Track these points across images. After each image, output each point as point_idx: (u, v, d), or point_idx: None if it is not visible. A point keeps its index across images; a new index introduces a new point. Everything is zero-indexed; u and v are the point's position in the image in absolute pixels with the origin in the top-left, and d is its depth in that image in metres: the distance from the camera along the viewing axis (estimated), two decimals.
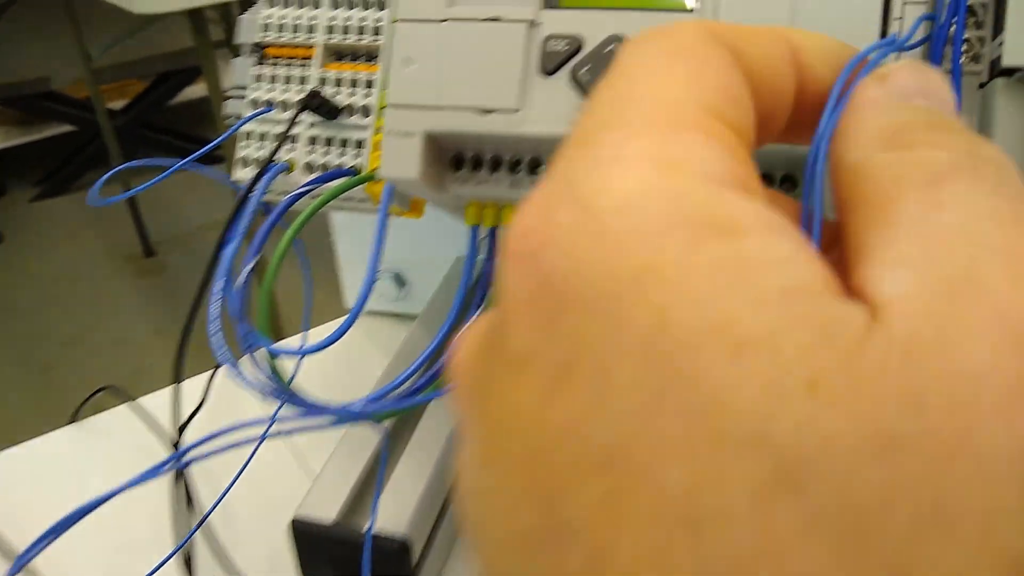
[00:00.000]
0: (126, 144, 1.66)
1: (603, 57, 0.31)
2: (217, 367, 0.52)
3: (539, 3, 0.32)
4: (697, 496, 0.10)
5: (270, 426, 0.39)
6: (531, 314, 0.12)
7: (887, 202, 0.13)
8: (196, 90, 2.14)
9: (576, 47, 0.31)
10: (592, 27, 0.31)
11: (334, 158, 0.41)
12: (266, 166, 0.40)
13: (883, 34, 0.31)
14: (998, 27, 0.29)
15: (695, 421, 0.10)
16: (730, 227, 0.11)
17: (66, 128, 2.09)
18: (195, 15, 1.18)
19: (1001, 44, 0.28)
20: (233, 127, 0.42)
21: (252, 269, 0.37)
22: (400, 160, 0.32)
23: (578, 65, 0.31)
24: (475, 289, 0.37)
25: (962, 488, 0.09)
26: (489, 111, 0.32)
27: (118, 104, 1.83)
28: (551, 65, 0.31)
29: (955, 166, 0.13)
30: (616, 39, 0.31)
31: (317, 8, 0.42)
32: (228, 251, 0.37)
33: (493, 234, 0.37)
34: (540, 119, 0.31)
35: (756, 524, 0.09)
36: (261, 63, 0.43)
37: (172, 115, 2.33)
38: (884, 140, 0.14)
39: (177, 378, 0.44)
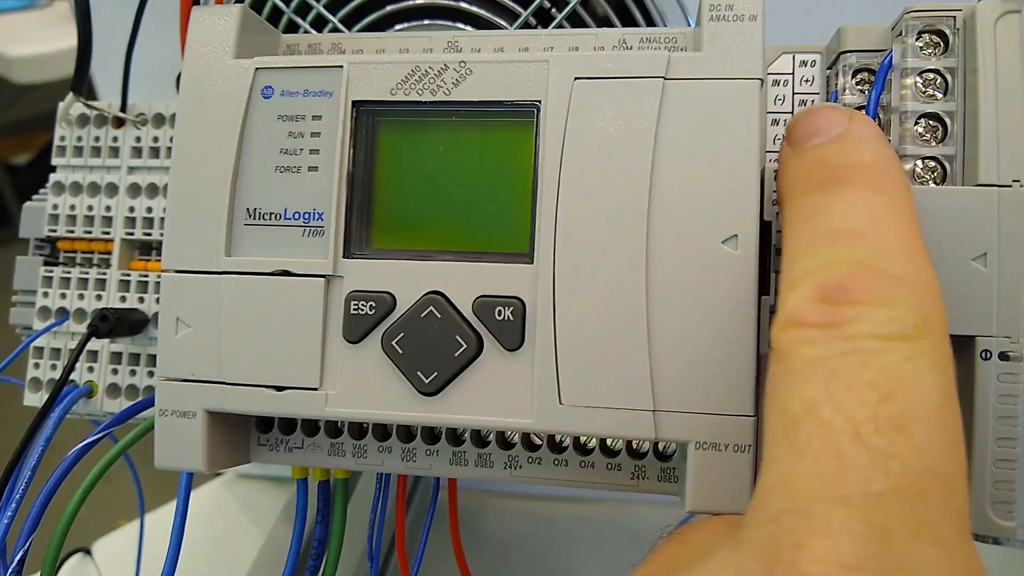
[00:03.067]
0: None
1: (420, 322, 0.24)
2: None
3: (337, 251, 0.25)
4: None
5: None
6: None
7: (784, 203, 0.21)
8: None
9: (386, 308, 0.25)
10: (405, 281, 0.25)
11: (144, 378, 0.34)
12: (56, 394, 0.33)
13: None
14: None
15: None
16: None
17: None
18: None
19: None
20: (21, 345, 0.35)
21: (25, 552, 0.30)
22: (179, 446, 0.26)
23: (390, 332, 0.24)
24: (306, 555, 0.31)
25: None
26: (284, 388, 0.25)
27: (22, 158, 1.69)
28: (356, 332, 0.25)
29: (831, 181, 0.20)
30: (436, 298, 0.24)
31: (113, 196, 0.35)
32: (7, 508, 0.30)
33: (324, 489, 0.31)
34: (347, 399, 0.25)
35: None
36: (52, 260, 0.35)
37: None
38: (781, 194, 0.22)
39: None
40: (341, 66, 0.25)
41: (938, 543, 0.15)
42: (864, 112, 0.25)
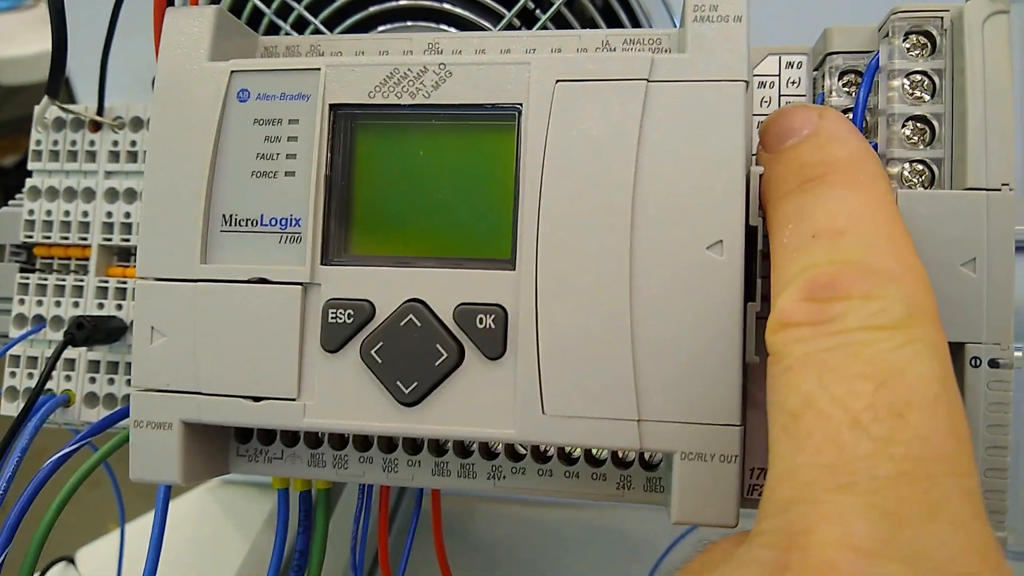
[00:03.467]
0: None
1: (399, 331, 0.24)
2: None
3: (315, 258, 0.24)
4: None
5: None
6: None
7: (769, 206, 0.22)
8: None
9: (365, 316, 0.24)
10: (384, 288, 0.24)
11: (122, 386, 0.34)
12: (33, 403, 0.32)
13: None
14: None
15: None
16: None
17: None
18: None
19: None
20: None
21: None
22: (155, 458, 0.25)
23: (369, 341, 0.24)
24: (287, 570, 0.30)
25: None
26: (261, 399, 0.24)
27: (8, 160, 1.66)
28: (334, 341, 0.24)
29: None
30: (416, 305, 0.24)
31: (90, 201, 0.34)
32: None
33: (306, 499, 0.30)
34: (326, 409, 0.24)
35: None
36: (29, 267, 0.35)
37: None
38: (763, 200, 0.22)
39: None
40: (318, 68, 0.25)
41: (953, 523, 0.15)
42: (852, 115, 0.25)
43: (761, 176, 0.22)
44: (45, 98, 0.33)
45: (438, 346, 0.23)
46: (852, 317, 0.17)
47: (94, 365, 0.33)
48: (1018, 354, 0.23)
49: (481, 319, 0.23)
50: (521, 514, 0.54)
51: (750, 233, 0.23)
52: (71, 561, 0.52)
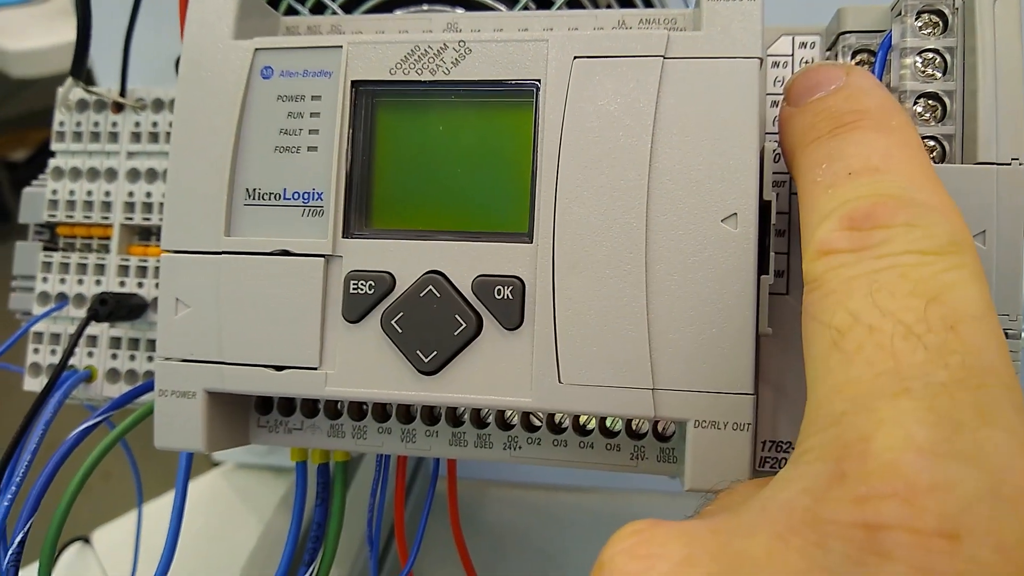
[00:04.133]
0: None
1: (419, 302, 0.24)
2: None
3: (336, 231, 0.25)
4: None
5: None
6: None
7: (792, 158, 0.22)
8: None
9: (386, 288, 0.25)
10: (404, 260, 0.25)
11: (143, 363, 0.34)
12: (56, 378, 0.33)
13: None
14: None
15: None
16: None
17: None
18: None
19: None
20: (21, 329, 0.35)
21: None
22: (179, 426, 0.26)
23: (389, 311, 0.25)
24: (304, 542, 0.31)
25: None
26: (283, 368, 0.25)
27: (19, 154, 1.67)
28: (356, 311, 0.25)
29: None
30: (435, 277, 0.24)
31: (112, 182, 0.35)
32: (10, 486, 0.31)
33: (324, 472, 0.31)
34: (347, 378, 0.25)
35: None
36: (52, 246, 0.35)
37: None
38: (789, 150, 0.22)
39: None
40: (340, 46, 0.25)
41: (1008, 430, 0.15)
42: None
43: (782, 130, 0.22)
44: (69, 80, 0.33)
45: (457, 316, 0.24)
46: (898, 242, 0.17)
47: (115, 342, 0.34)
48: None
49: (499, 290, 0.24)
50: (531, 499, 0.55)
51: (764, 207, 0.24)
52: (87, 541, 0.53)
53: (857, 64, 0.26)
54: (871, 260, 0.17)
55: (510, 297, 0.24)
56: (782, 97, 0.23)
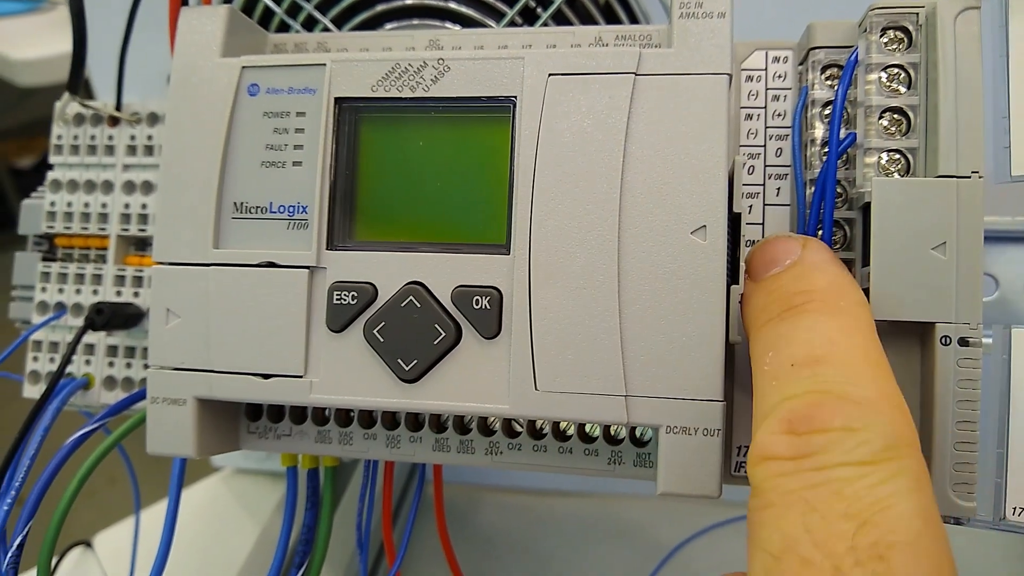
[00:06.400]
0: None
1: (400, 311, 0.25)
2: None
3: (321, 243, 0.26)
4: None
5: None
6: None
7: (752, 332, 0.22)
8: None
9: (368, 298, 0.25)
10: (386, 272, 0.25)
11: (139, 370, 0.35)
12: (54, 386, 0.34)
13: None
14: None
15: None
16: None
17: None
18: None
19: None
20: (20, 338, 0.35)
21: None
22: (170, 433, 0.26)
23: (372, 321, 0.25)
24: (295, 545, 0.32)
25: None
26: (270, 376, 0.26)
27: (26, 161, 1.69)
28: (339, 321, 0.26)
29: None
30: (416, 288, 0.25)
31: (109, 193, 0.35)
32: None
33: (313, 476, 0.31)
34: (331, 386, 0.26)
35: None
36: (50, 256, 0.36)
37: None
38: (746, 328, 0.23)
39: None
40: (324, 64, 0.26)
41: None
42: (832, 107, 0.26)
43: (744, 304, 0.23)
44: (66, 95, 0.34)
45: (437, 326, 0.25)
46: (834, 452, 0.17)
47: (112, 350, 0.35)
48: (987, 340, 0.25)
49: (477, 300, 0.25)
50: (520, 503, 0.55)
51: (734, 220, 0.24)
52: (89, 545, 0.54)
53: (826, 79, 0.26)
54: (807, 473, 0.17)
55: (488, 307, 0.25)
56: (745, 268, 0.23)
